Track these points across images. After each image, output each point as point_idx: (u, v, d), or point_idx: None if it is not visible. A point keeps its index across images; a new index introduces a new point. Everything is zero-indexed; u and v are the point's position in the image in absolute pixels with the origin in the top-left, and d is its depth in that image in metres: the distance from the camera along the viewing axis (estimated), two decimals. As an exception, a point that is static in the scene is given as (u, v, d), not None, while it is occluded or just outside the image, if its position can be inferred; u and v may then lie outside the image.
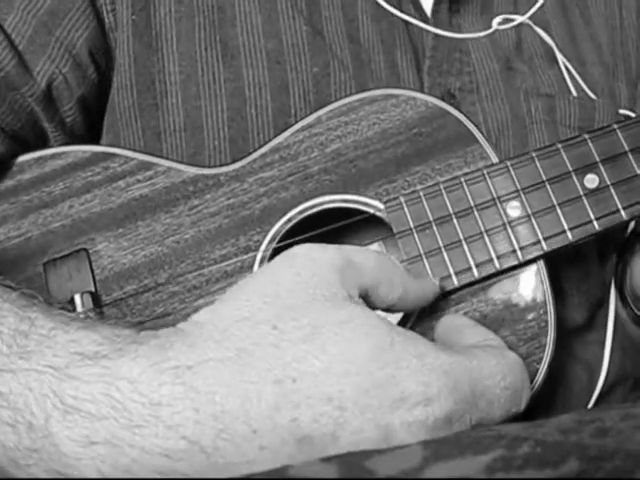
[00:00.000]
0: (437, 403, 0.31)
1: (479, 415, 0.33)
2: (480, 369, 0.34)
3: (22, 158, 0.50)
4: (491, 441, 0.25)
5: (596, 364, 0.55)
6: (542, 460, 0.23)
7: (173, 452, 0.29)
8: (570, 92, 0.58)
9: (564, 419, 0.26)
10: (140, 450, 0.29)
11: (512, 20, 0.55)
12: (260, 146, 0.48)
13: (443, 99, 0.52)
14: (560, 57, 0.57)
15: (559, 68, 0.58)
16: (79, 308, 0.45)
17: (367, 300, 0.36)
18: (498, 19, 0.55)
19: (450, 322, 0.42)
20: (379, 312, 0.36)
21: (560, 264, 0.44)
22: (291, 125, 0.48)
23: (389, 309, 0.38)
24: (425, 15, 0.57)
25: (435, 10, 0.57)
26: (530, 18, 0.56)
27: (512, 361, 0.36)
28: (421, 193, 0.45)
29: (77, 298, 0.45)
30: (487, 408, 0.33)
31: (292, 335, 0.31)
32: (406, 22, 0.56)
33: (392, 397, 0.31)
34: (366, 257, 0.36)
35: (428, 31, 0.56)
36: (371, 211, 0.46)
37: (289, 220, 0.46)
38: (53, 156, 0.49)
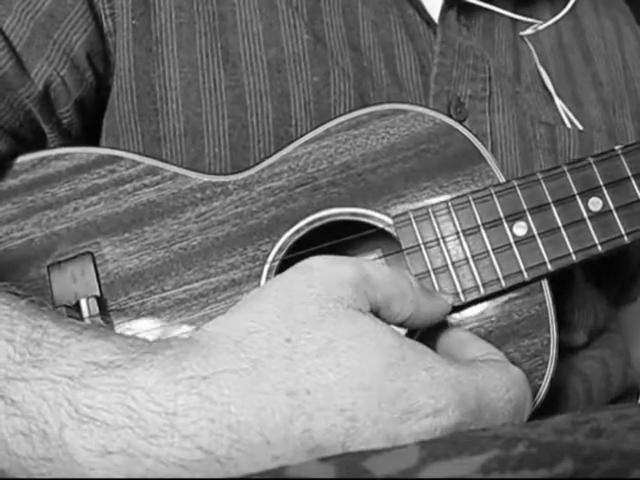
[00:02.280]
0: (445, 415, 0.34)
1: (484, 427, 0.35)
2: (485, 382, 0.36)
3: (25, 158, 0.52)
4: (487, 441, 0.27)
5: (594, 377, 0.58)
6: (537, 460, 0.25)
7: (188, 462, 0.31)
8: (567, 127, 0.61)
9: (559, 420, 0.28)
10: (155, 460, 0.31)
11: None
12: (268, 156, 0.51)
13: (450, 106, 0.55)
14: (558, 101, 0.61)
15: (555, 107, 0.61)
16: (85, 313, 0.47)
17: (379, 315, 0.38)
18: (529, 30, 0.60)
19: (453, 336, 0.45)
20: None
21: (554, 296, 0.48)
22: (300, 136, 0.51)
23: (400, 325, 0.40)
24: (432, 22, 0.60)
25: (442, 17, 0.60)
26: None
27: (515, 374, 0.39)
28: (429, 210, 0.48)
29: (83, 303, 0.47)
30: (492, 420, 0.36)
31: (306, 348, 0.34)
32: (408, 27, 0.59)
33: (402, 409, 0.33)
34: (382, 273, 0.39)
35: (435, 36, 0.59)
36: (380, 225, 0.49)
37: (298, 231, 0.49)
38: (57, 157, 0.51)
